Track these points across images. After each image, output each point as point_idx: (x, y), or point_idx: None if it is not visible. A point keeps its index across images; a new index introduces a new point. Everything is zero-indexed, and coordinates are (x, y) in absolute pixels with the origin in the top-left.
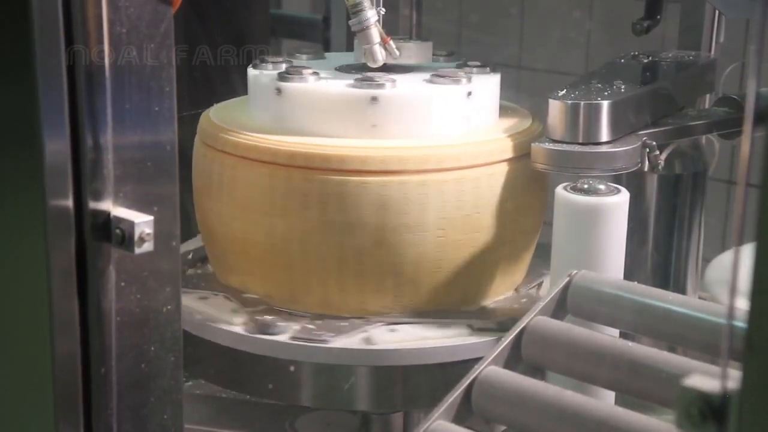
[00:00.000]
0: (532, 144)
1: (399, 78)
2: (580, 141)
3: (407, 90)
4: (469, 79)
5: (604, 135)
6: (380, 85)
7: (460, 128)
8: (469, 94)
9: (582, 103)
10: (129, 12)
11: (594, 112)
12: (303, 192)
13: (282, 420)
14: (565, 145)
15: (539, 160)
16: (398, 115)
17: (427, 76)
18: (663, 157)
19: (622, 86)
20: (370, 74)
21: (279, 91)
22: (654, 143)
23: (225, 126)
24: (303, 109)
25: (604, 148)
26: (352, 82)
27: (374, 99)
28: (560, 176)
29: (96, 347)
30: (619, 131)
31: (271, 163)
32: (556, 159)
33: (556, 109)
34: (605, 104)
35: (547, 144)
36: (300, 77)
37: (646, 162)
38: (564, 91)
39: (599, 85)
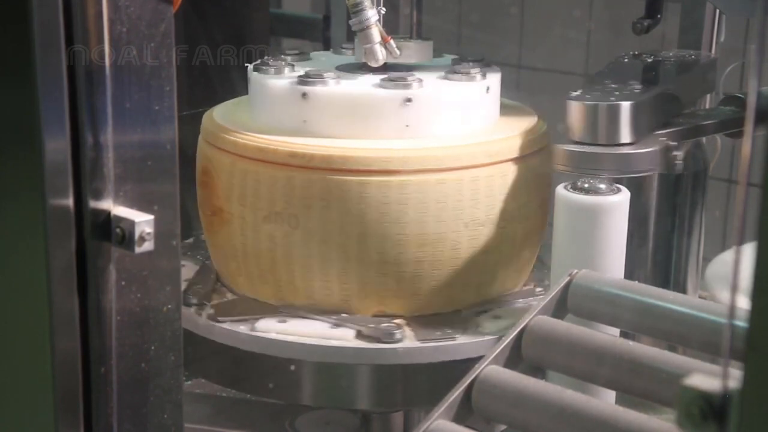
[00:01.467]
0: (555, 146)
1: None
2: (602, 142)
3: (434, 89)
4: (484, 75)
5: (626, 136)
6: (408, 85)
7: (481, 125)
8: (488, 89)
9: (604, 104)
10: (129, 11)
11: (615, 114)
12: (323, 192)
13: (282, 419)
14: (586, 146)
15: (560, 162)
16: (430, 115)
17: (440, 73)
18: (680, 157)
19: (636, 86)
20: (395, 74)
21: (305, 95)
22: (675, 143)
23: (232, 128)
24: (330, 112)
25: (625, 150)
26: (378, 82)
27: (408, 100)
28: (561, 175)
29: (96, 346)
30: (640, 132)
31: (301, 167)
32: (578, 161)
33: (577, 110)
34: (627, 105)
35: (569, 146)
36: (322, 80)
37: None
38: (580, 92)
39: (613, 86)
